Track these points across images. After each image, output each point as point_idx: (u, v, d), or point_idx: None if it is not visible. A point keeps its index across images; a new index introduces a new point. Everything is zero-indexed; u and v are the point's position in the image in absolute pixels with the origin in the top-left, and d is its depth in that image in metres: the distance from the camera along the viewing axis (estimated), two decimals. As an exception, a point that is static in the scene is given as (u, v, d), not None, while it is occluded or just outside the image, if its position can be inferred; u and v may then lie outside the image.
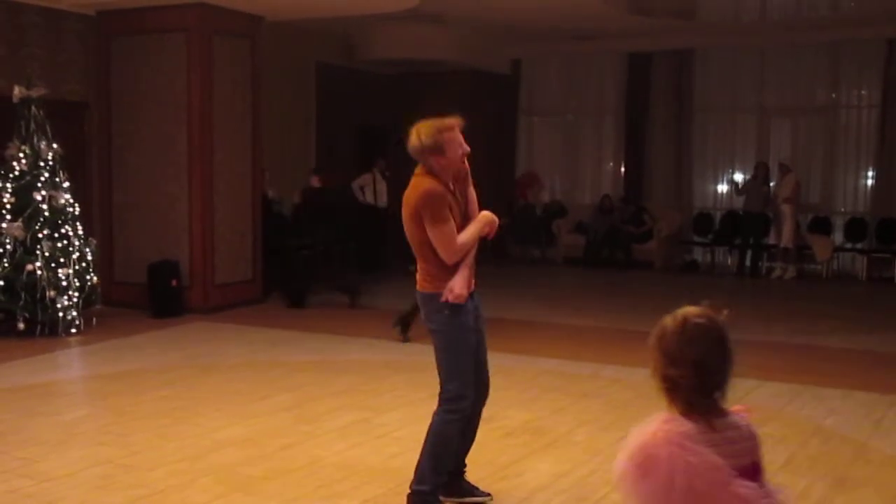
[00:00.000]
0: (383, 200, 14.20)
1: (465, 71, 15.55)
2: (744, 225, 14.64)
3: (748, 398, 7.00)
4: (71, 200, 9.40)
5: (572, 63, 16.72)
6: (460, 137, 4.43)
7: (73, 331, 9.22)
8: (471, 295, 4.51)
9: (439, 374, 4.56)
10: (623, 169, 16.58)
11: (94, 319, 9.72)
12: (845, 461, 5.55)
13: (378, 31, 14.21)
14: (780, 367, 8.11)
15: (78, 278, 9.26)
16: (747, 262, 14.72)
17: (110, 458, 5.49)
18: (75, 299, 9.22)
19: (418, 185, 4.42)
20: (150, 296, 10.44)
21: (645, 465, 2.21)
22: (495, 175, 16.67)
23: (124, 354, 8.55)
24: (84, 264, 9.40)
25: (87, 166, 11.11)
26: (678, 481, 2.17)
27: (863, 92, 14.97)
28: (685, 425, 2.26)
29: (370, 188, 14.23)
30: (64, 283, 9.11)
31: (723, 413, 2.32)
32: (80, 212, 9.61)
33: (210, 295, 10.73)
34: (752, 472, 2.29)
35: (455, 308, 4.43)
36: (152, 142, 10.79)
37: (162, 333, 9.56)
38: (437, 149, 4.36)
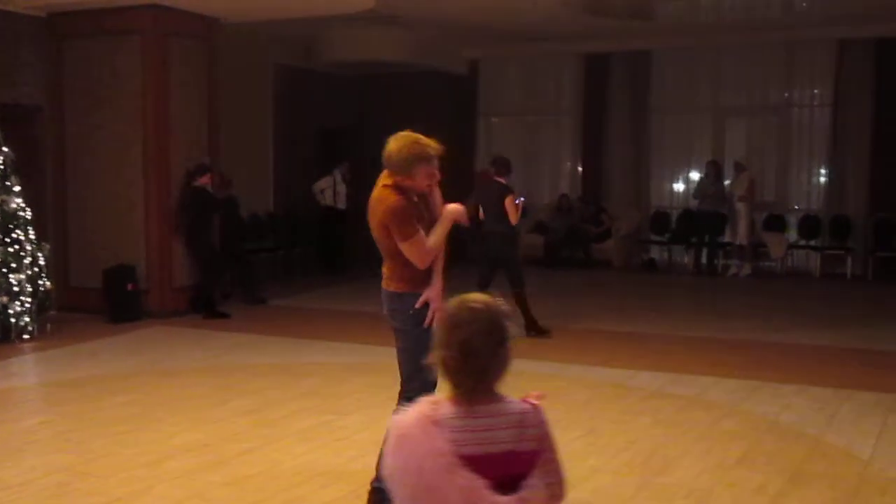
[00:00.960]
0: (342, 203, 14.18)
1: (423, 72, 15.57)
2: (699, 223, 14.79)
3: (704, 395, 7.10)
4: (23, 205, 9.27)
5: (530, 64, 16.78)
6: (435, 169, 4.45)
7: (27, 337, 9.10)
8: None
9: (401, 372, 4.58)
10: (581, 169, 16.68)
11: (49, 325, 9.60)
12: (800, 456, 5.63)
13: (336, 32, 14.16)
14: (737, 364, 8.21)
15: (31, 283, 9.15)
16: (704, 260, 14.87)
17: (67, 465, 5.42)
18: (28, 305, 9.10)
19: (383, 199, 4.44)
20: (106, 300, 10.33)
21: (396, 444, 2.29)
22: (454, 176, 16.72)
23: (80, 360, 8.46)
24: (37, 269, 9.28)
25: (41, 170, 10.96)
26: (412, 463, 2.23)
27: (815, 91, 15.18)
28: (442, 409, 2.30)
29: (330, 191, 14.21)
30: (16, 289, 8.99)
31: (493, 399, 2.34)
32: (34, 216, 9.47)
33: (168, 299, 10.64)
34: (506, 460, 2.29)
35: (423, 310, 4.46)
36: (108, 145, 10.67)
37: (119, 339, 9.47)
38: (407, 172, 4.39)
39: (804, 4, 13.16)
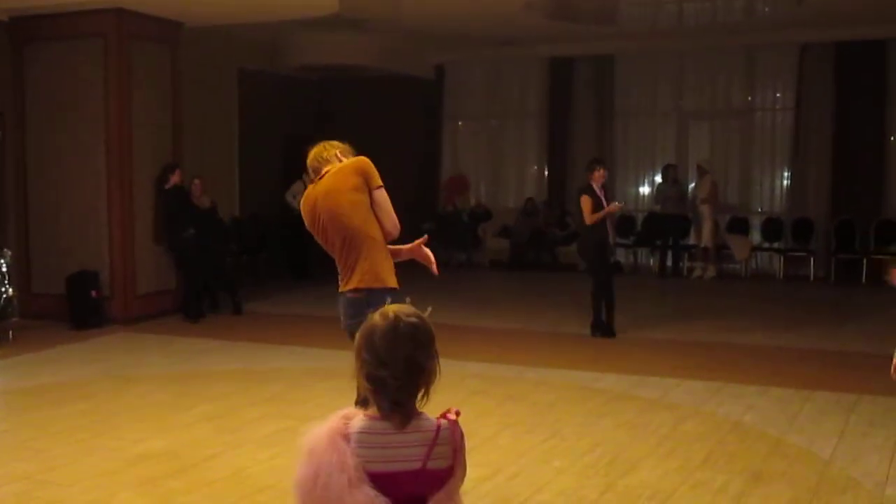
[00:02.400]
0: None
1: (389, 77, 15.57)
2: (663, 227, 14.89)
3: (668, 397, 7.15)
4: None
5: (495, 68, 16.82)
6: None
7: (-11, 345, 9.00)
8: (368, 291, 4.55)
9: None
10: (546, 172, 16.74)
11: (11, 332, 9.50)
12: (762, 456, 5.68)
13: (301, 36, 14.13)
14: (700, 365, 8.28)
15: (-8, 291, 9.05)
16: (669, 263, 14.97)
17: (27, 473, 5.36)
18: (-10, 312, 9.01)
19: (353, 160, 4.73)
20: (69, 307, 10.23)
21: (307, 455, 2.27)
22: (420, 180, 16.73)
23: (42, 368, 8.37)
24: (-1, 276, 9.18)
25: (2, 175, 10.84)
26: (321, 477, 2.22)
27: (777, 95, 15.35)
28: (355, 423, 2.28)
29: (301, 195, 14.14)
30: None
31: (411, 415, 2.30)
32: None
33: (131, 305, 10.55)
34: (414, 479, 2.26)
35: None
36: (69, 150, 10.56)
37: (82, 345, 9.37)
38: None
39: (766, 10, 13.31)
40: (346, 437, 2.25)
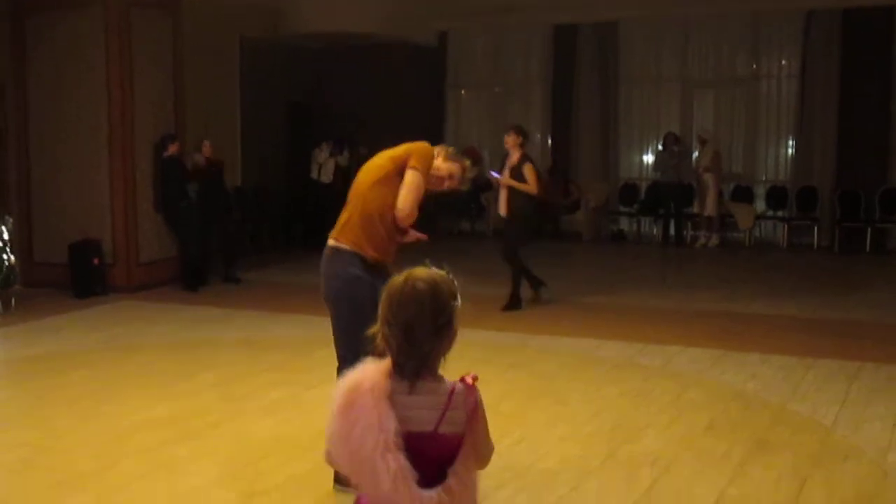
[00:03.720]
0: (328, 177, 14.11)
1: (392, 44, 15.45)
2: (664, 195, 14.86)
3: (670, 365, 7.15)
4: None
5: (499, 35, 16.71)
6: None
7: (-8, 313, 9.01)
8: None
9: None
10: (550, 141, 16.66)
11: (14, 301, 9.50)
12: (764, 424, 5.68)
13: (303, 3, 14.02)
14: (703, 333, 8.27)
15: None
16: (672, 232, 14.94)
17: (30, 441, 5.38)
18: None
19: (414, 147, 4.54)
20: (72, 276, 10.23)
21: (346, 405, 2.25)
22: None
23: (45, 336, 8.38)
24: (0, 244, 9.16)
25: (4, 145, 10.80)
26: (357, 431, 2.22)
27: (783, 62, 15.23)
28: (388, 381, 2.28)
29: (316, 165, 14.21)
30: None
31: (431, 378, 2.31)
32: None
33: (134, 273, 10.55)
34: (426, 441, 2.26)
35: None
36: (71, 119, 10.51)
37: (84, 314, 9.38)
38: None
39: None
40: (389, 399, 2.25)
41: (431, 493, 2.24)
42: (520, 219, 9.30)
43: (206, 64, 12.98)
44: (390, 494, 2.20)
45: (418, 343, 2.26)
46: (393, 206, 4.42)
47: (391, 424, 2.21)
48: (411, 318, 2.25)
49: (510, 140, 9.20)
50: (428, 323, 2.26)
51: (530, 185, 9.05)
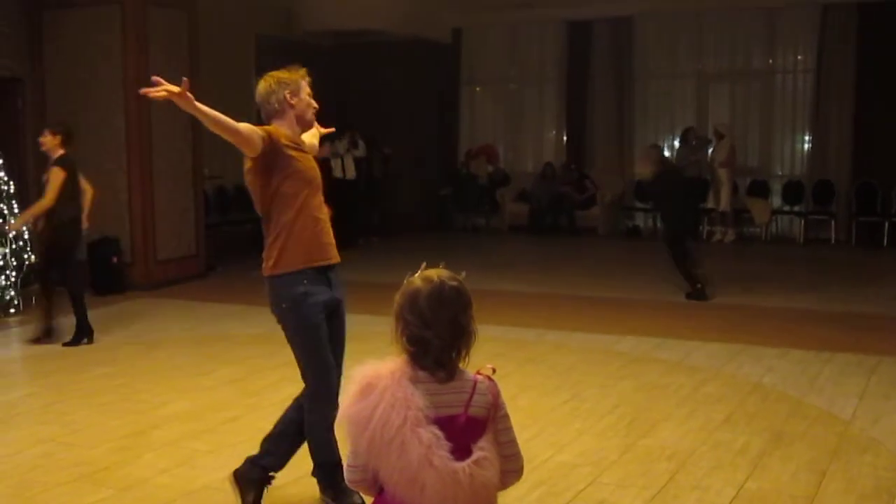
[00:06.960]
0: (351, 173, 13.92)
1: (406, 41, 15.46)
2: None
3: (688, 359, 7.15)
4: (5, 178, 9.21)
5: (513, 31, 16.71)
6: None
7: (12, 311, 9.06)
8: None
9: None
10: (565, 137, 16.65)
11: (33, 298, 9.56)
12: (782, 417, 5.68)
13: (319, 1, 14.06)
14: (720, 328, 8.26)
15: (15, 257, 9.11)
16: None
17: (52, 436, 5.43)
18: (13, 279, 9.07)
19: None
20: (90, 273, 10.29)
21: (363, 390, 2.29)
22: (439, 146, 16.68)
23: (64, 333, 8.41)
24: (21, 243, 9.23)
25: (23, 143, 10.86)
26: (380, 411, 2.24)
27: (798, 57, 15.18)
28: (415, 372, 2.33)
29: (338, 161, 13.93)
30: (0, 263, 8.95)
31: (455, 370, 2.38)
32: (16, 190, 9.41)
33: (152, 271, 10.61)
34: (452, 422, 2.31)
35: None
36: (89, 116, 10.56)
37: (103, 311, 9.42)
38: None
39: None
40: (411, 378, 2.30)
41: (463, 465, 2.28)
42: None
43: (222, 61, 13.04)
44: (420, 468, 2.23)
45: (462, 338, 2.35)
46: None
47: (419, 401, 2.26)
48: (454, 314, 2.34)
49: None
50: (467, 317, 2.36)
51: None
